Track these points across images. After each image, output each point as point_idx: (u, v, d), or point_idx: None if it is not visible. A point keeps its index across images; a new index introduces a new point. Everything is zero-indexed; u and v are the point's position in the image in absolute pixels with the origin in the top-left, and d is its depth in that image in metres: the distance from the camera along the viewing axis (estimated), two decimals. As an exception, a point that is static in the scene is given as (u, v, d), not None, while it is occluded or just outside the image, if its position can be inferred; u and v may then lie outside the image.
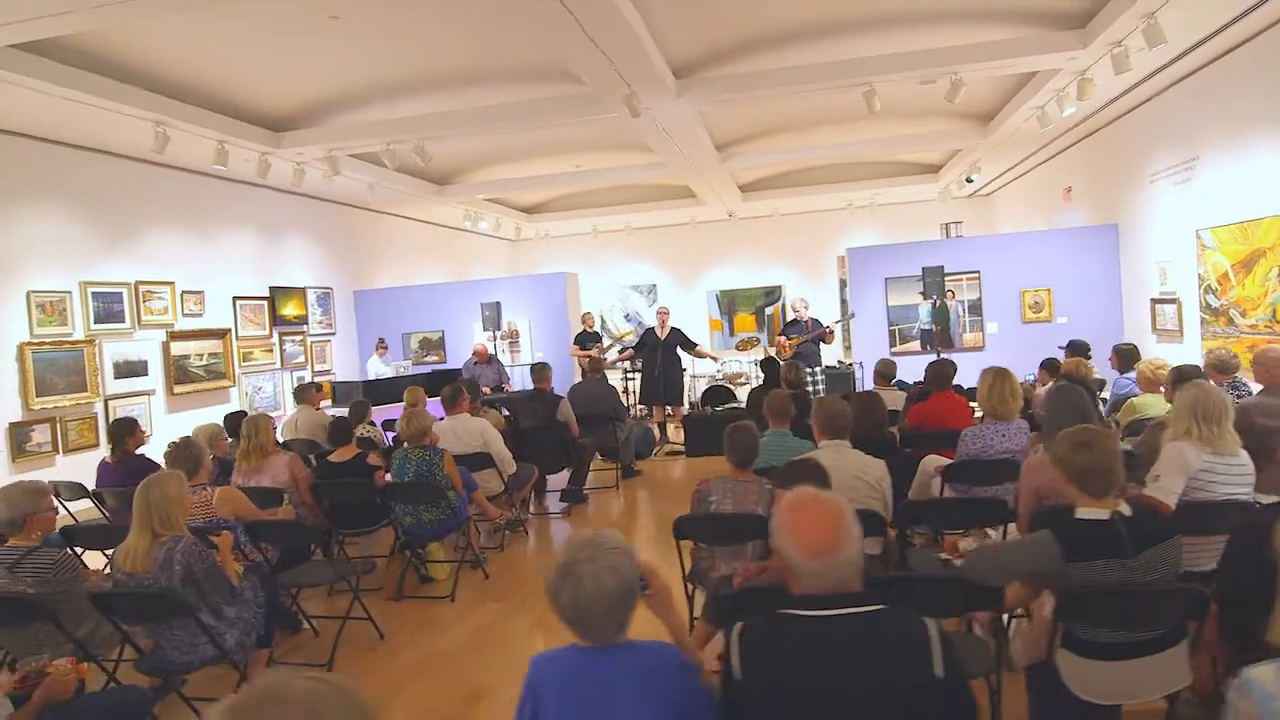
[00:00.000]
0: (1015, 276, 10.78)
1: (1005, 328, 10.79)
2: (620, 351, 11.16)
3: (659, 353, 9.16)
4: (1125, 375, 6.98)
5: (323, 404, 8.72)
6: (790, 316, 10.15)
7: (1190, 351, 8.41)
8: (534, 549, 6.16)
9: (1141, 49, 6.99)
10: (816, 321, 9.70)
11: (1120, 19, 6.49)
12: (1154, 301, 9.37)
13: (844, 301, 9.55)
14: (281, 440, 6.97)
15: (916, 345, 10.97)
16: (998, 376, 4.09)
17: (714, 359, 10.02)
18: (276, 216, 10.96)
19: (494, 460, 5.67)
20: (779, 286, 17.83)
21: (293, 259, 11.24)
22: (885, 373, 6.39)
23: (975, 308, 10.87)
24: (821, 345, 10.02)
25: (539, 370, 7.00)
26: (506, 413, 6.93)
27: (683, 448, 9.37)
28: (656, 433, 9.72)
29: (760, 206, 16.28)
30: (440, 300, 12.34)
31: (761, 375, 9.15)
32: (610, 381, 8.69)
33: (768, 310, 17.88)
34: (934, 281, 9.99)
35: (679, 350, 9.57)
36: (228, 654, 3.27)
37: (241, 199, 10.30)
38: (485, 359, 10.58)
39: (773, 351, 10.49)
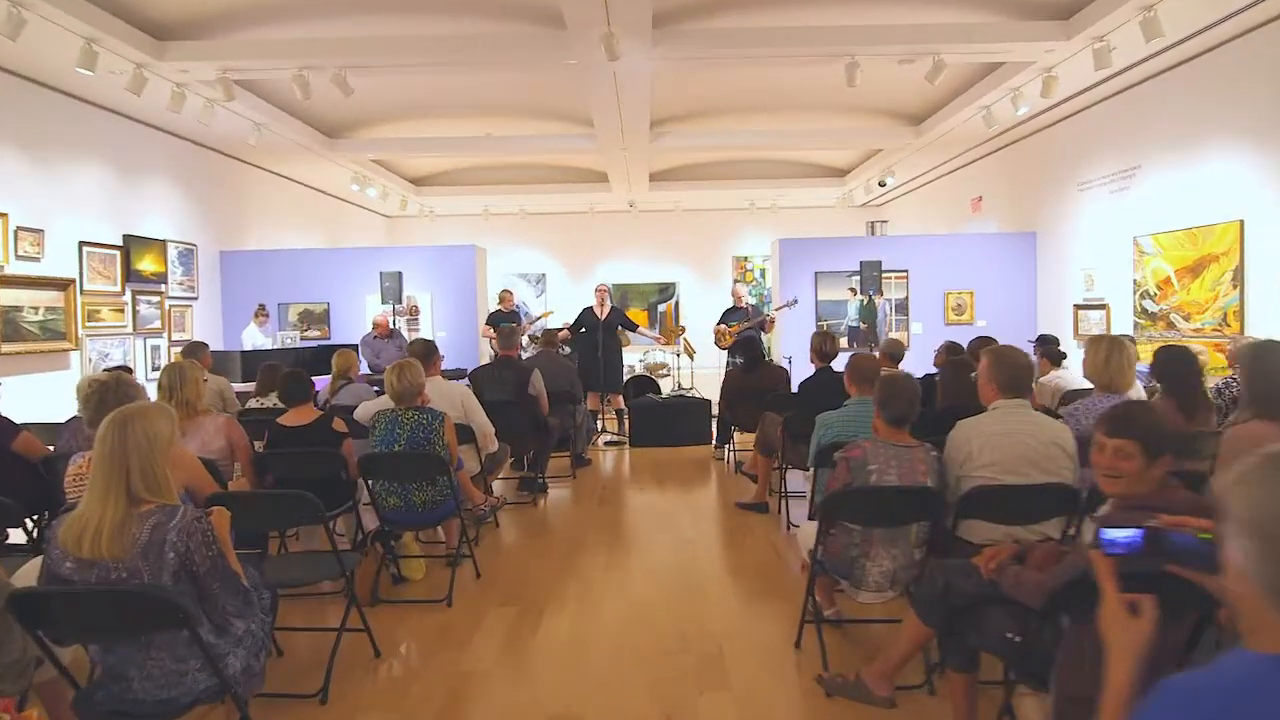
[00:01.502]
0: (940, 278, 10.82)
1: (929, 328, 10.80)
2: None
3: (599, 334, 8.33)
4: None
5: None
6: (730, 303, 9.61)
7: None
8: (515, 542, 5.18)
9: (1117, 49, 7.03)
10: (757, 308, 9.22)
11: (1117, 10, 6.43)
12: (1078, 307, 9.61)
13: (740, 308, 9.17)
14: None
15: (844, 342, 10.77)
16: (1114, 346, 3.66)
17: (659, 341, 9.29)
18: (139, 154, 9.18)
19: (474, 434, 4.68)
20: (673, 284, 17.43)
21: (154, 207, 9.47)
22: (894, 354, 5.94)
23: (902, 307, 10.81)
24: (761, 334, 9.56)
25: (507, 335, 5.97)
26: (467, 383, 5.90)
27: (622, 438, 8.70)
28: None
29: (663, 199, 15.79)
30: (325, 269, 10.87)
31: (731, 360, 8.57)
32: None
33: (660, 307, 17.42)
34: (871, 277, 9.79)
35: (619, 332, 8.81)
36: (230, 687, 2.19)
37: (98, 126, 8.51)
38: (387, 333, 9.32)
39: (707, 340, 9.93)
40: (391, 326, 9.53)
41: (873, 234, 11.32)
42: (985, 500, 2.86)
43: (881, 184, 13.27)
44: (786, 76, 9.48)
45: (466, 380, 6.08)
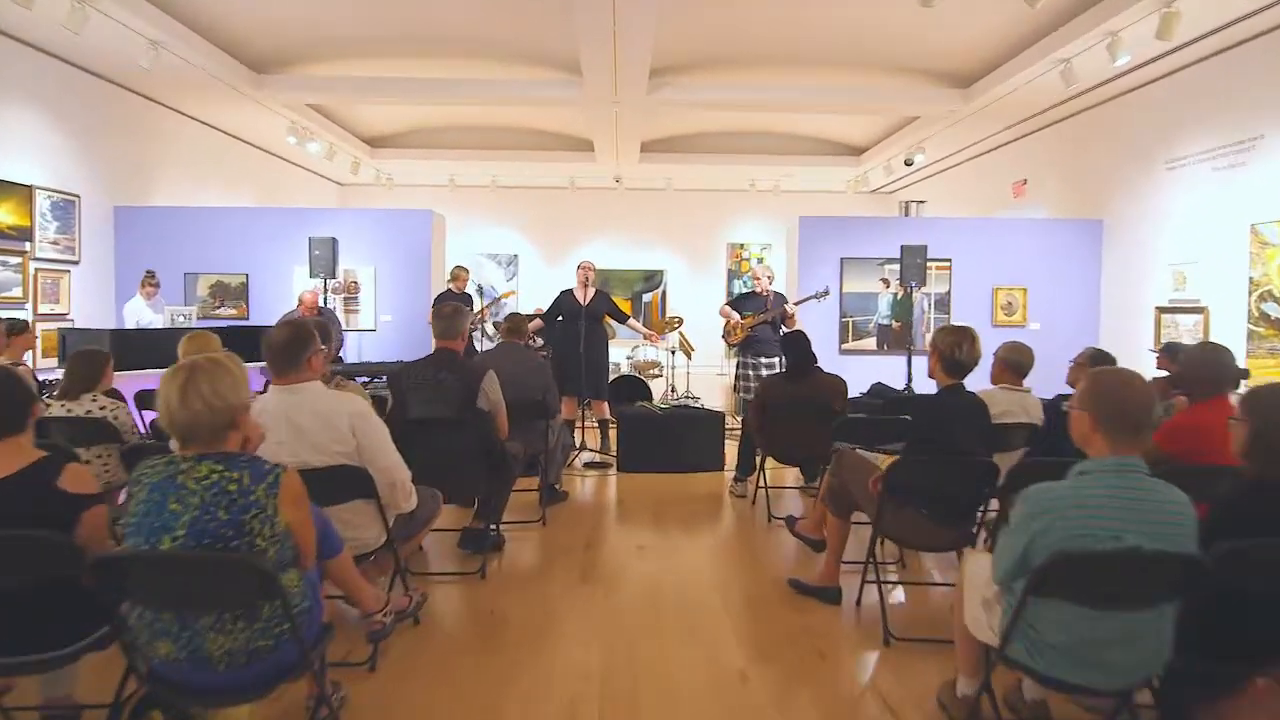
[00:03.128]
0: (988, 271, 9.09)
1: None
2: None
3: (581, 324, 6.47)
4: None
5: (27, 356, 5.33)
6: (749, 288, 7.71)
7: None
8: (439, 656, 3.15)
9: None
10: (780, 297, 7.39)
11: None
12: (1163, 310, 7.91)
13: (758, 294, 7.30)
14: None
15: (872, 343, 9.00)
16: None
17: (650, 337, 7.39)
18: (-8, 71, 7.16)
19: (372, 482, 2.81)
20: (660, 271, 15.59)
21: (16, 142, 7.44)
22: (1019, 364, 4.12)
23: (943, 303, 9.06)
24: (776, 330, 7.73)
25: (448, 320, 3.99)
26: (386, 394, 4.00)
27: (608, 459, 6.68)
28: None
29: (653, 174, 13.94)
30: (246, 232, 8.87)
31: (775, 363, 6.75)
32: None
33: (645, 297, 15.59)
34: (913, 265, 8.02)
35: (606, 323, 6.93)
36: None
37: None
38: (315, 311, 7.39)
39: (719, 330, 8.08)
40: (322, 305, 7.60)
41: (906, 214, 9.55)
42: None
43: (908, 163, 11.50)
44: (815, 19, 7.68)
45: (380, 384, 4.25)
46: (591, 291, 6.81)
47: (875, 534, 3.43)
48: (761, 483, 5.18)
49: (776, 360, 7.27)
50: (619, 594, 3.85)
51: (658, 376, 9.07)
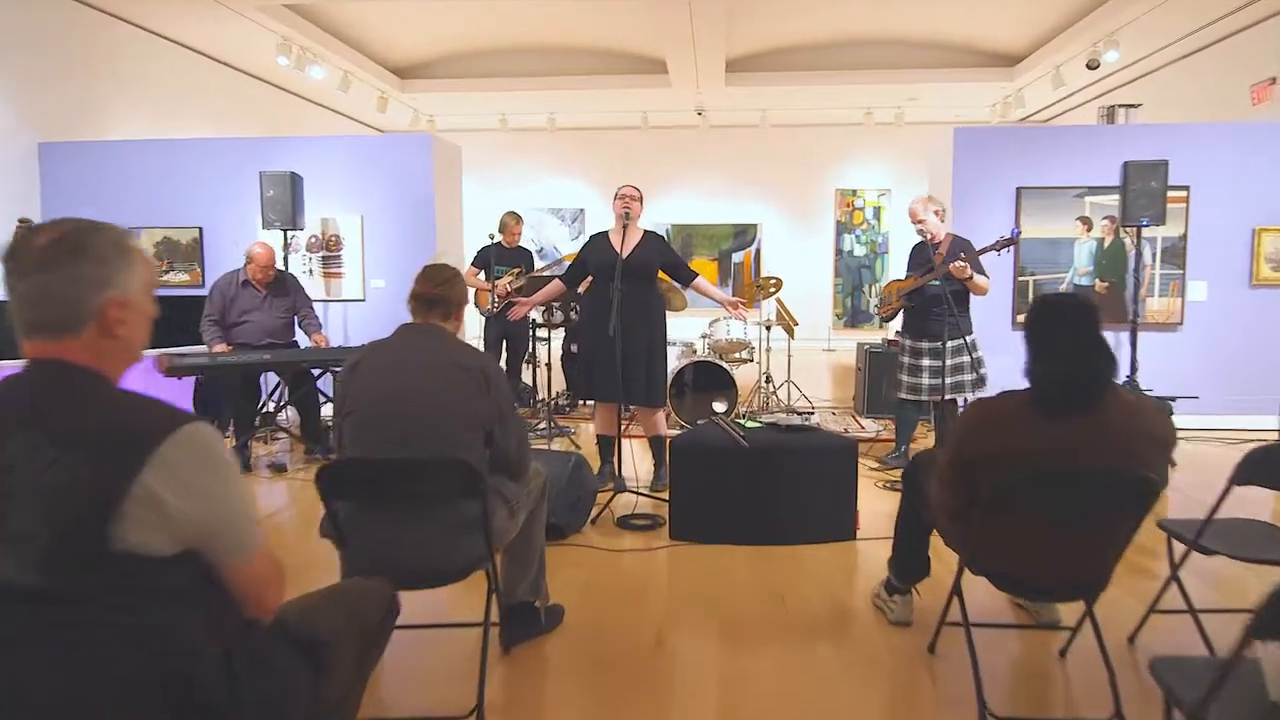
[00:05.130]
0: (1244, 205, 6.09)
1: (1222, 293, 6.11)
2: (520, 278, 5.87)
3: (618, 285, 3.94)
4: None
5: None
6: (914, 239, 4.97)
7: None
8: None
9: None
10: (963, 243, 4.66)
11: None
12: None
13: (930, 242, 4.43)
14: None
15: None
16: None
17: (733, 308, 4.66)
18: None
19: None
20: (753, 226, 12.91)
21: None
22: None
23: (1174, 254, 6.11)
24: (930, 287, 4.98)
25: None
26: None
27: (660, 501, 3.95)
28: (597, 460, 4.47)
29: (742, 103, 11.24)
30: (200, 171, 6.74)
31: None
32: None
33: (735, 257, 12.95)
34: (1146, 193, 5.16)
35: (660, 281, 4.41)
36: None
37: None
38: (268, 277, 5.17)
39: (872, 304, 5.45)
40: (280, 268, 5.37)
41: (1110, 122, 6.60)
42: None
43: (1092, 65, 8.43)
44: None
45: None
46: (637, 236, 4.29)
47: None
48: (953, 613, 2.32)
49: (962, 343, 4.61)
50: None
51: (747, 362, 6.52)
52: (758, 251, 12.93)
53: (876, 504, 4.10)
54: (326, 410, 5.53)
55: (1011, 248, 4.44)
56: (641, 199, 4.34)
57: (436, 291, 2.29)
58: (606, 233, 4.41)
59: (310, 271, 6.58)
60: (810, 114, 11.88)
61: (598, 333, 4.08)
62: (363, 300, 6.63)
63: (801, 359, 7.90)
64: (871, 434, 5.82)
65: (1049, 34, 9.06)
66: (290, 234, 5.97)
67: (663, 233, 12.93)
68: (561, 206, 13.10)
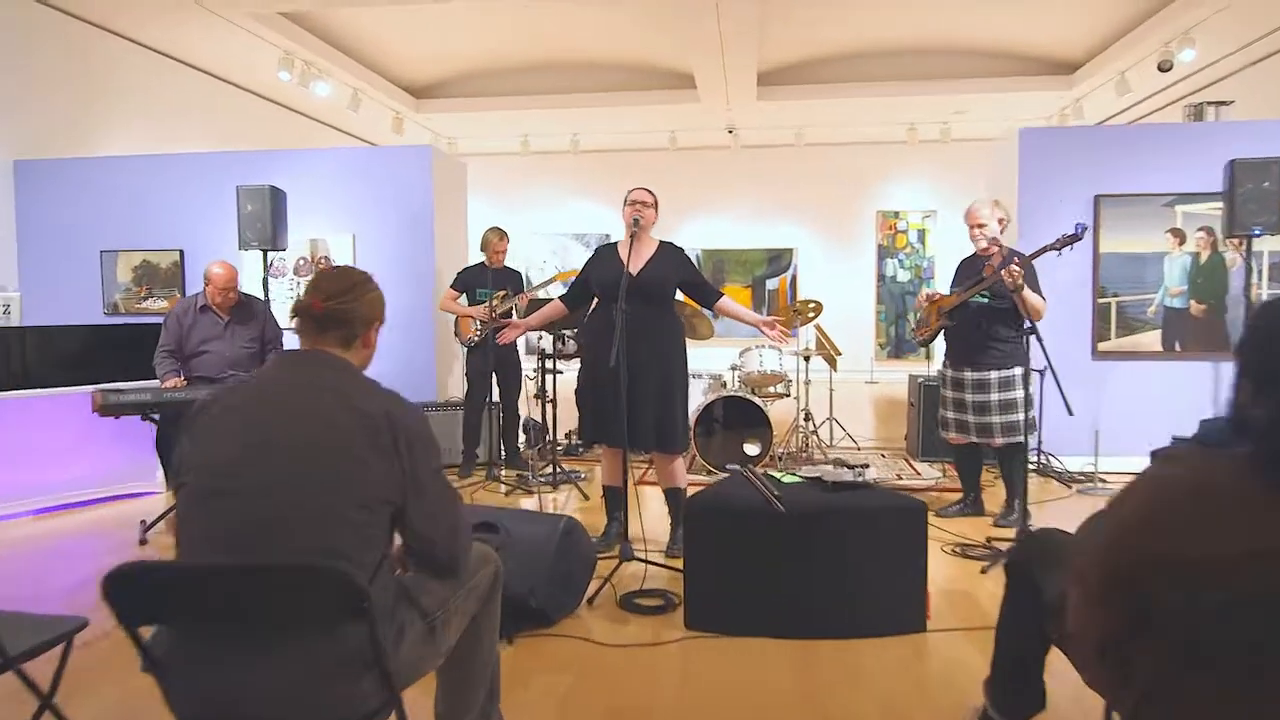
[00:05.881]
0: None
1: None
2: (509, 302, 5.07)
3: (621, 306, 3.22)
4: None
5: None
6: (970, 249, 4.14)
7: None
8: None
9: None
10: (1016, 256, 3.88)
11: None
12: None
13: (983, 254, 3.62)
14: None
15: (1153, 338, 5.30)
16: None
17: (771, 330, 3.85)
18: None
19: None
20: (789, 250, 12.15)
21: None
22: None
23: (1283, 270, 5.25)
24: (985, 299, 4.14)
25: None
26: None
27: (669, 592, 3.06)
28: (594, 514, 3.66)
29: (776, 120, 10.55)
30: (182, 190, 6.19)
31: None
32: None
33: (770, 284, 12.19)
34: (1257, 197, 4.33)
35: (677, 302, 3.69)
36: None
37: None
38: (231, 300, 4.54)
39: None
40: (242, 294, 4.72)
41: (1199, 119, 5.78)
42: None
43: (1164, 67, 7.61)
44: None
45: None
46: (650, 248, 3.58)
47: None
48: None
49: (1014, 374, 3.82)
50: None
51: (783, 396, 5.74)
52: (794, 277, 12.16)
53: (947, 575, 3.29)
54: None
55: (1074, 245, 3.62)
56: (656, 204, 3.65)
57: (332, 307, 1.60)
58: (615, 244, 3.71)
59: (297, 298, 5.97)
60: (848, 131, 11.16)
61: (601, 364, 3.34)
62: (354, 329, 5.99)
63: (843, 392, 7.11)
64: (929, 481, 5.01)
65: (1112, 36, 8.27)
66: (271, 256, 5.37)
67: (694, 259, 12.28)
68: (586, 232, 12.49)
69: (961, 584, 3.25)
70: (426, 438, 1.55)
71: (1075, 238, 3.60)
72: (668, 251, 3.65)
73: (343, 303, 1.60)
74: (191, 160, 6.23)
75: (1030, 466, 5.23)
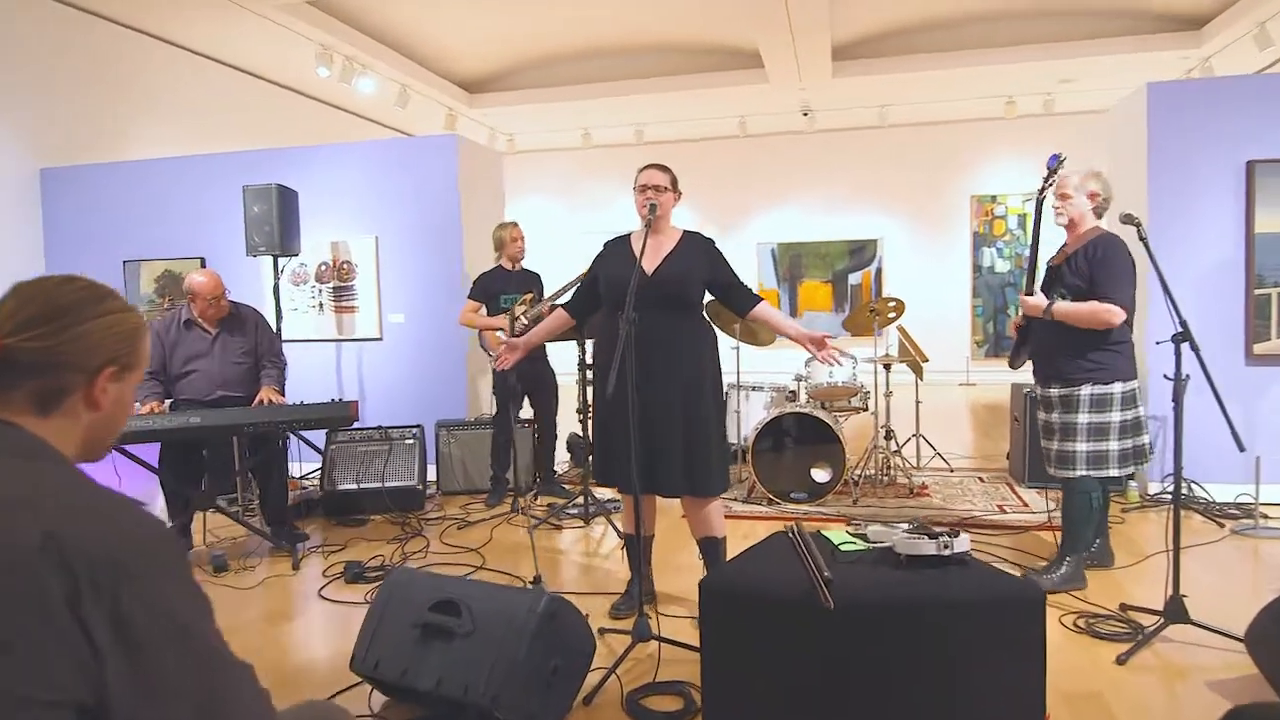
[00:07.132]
0: None
1: None
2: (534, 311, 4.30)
3: (628, 315, 2.54)
4: None
5: None
6: (1036, 231, 3.27)
7: None
8: None
9: None
10: (1109, 241, 3.01)
11: None
12: None
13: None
14: None
15: (1322, 342, 4.25)
16: None
17: (817, 345, 3.19)
18: None
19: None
20: (873, 241, 11.18)
21: None
22: None
23: None
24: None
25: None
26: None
27: (692, 681, 2.29)
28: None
29: (855, 98, 9.62)
30: (202, 194, 5.80)
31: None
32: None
33: (852, 278, 11.24)
34: None
35: (706, 308, 2.98)
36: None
37: None
38: (218, 313, 4.05)
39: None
40: (232, 302, 4.21)
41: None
42: None
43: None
44: None
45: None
46: (671, 240, 2.89)
47: None
48: None
49: (1112, 393, 2.97)
50: None
51: (859, 411, 4.92)
52: (878, 270, 11.18)
53: (1068, 665, 2.47)
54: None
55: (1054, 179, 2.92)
56: (673, 184, 2.94)
57: (21, 344, 0.96)
58: (628, 236, 3.02)
59: (320, 306, 5.50)
60: (937, 107, 10.13)
61: (606, 377, 2.64)
62: (379, 339, 5.48)
63: (933, 399, 6.22)
64: (1040, 515, 4.12)
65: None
66: (285, 261, 4.91)
67: (768, 255, 11.42)
68: (653, 228, 11.82)
69: (1090, 680, 2.43)
70: (170, 570, 0.90)
71: (1051, 172, 3.07)
72: (693, 243, 2.94)
73: (39, 336, 0.95)
74: (208, 161, 5.84)
75: (1163, 494, 4.27)
